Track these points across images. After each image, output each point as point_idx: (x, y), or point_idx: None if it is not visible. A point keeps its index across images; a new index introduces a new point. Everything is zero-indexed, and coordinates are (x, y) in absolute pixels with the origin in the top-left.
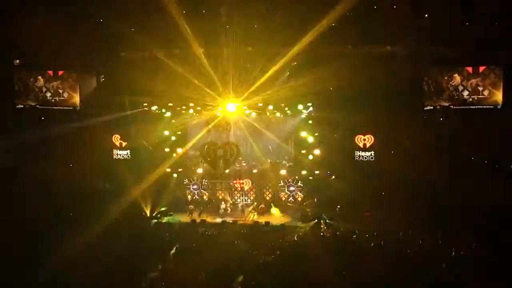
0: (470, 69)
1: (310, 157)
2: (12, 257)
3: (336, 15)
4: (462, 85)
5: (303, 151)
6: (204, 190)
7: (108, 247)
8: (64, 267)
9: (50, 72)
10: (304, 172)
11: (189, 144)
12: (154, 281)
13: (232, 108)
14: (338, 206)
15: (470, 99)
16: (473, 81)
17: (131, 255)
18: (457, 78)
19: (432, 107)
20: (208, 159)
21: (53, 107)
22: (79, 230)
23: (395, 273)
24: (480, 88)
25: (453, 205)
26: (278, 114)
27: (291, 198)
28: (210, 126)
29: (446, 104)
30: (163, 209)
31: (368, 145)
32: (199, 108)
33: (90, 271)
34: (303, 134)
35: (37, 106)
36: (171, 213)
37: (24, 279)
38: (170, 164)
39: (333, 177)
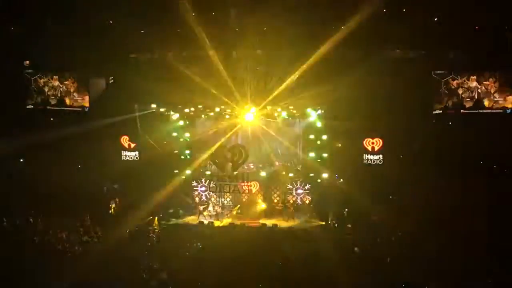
0: (479, 73)
1: (319, 160)
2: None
3: (346, 20)
4: (472, 90)
5: (312, 154)
6: (212, 192)
7: (116, 248)
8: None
9: (60, 74)
10: (312, 175)
11: None
12: (163, 282)
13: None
14: (346, 210)
15: (479, 104)
16: (482, 85)
17: (139, 255)
18: (466, 83)
19: (441, 111)
20: (216, 161)
21: (62, 108)
22: (87, 232)
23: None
24: (490, 93)
25: (461, 207)
26: (287, 117)
27: (298, 201)
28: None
29: (455, 108)
30: (171, 210)
31: (376, 148)
32: (208, 110)
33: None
34: (312, 137)
35: (47, 107)
36: (180, 213)
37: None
38: (178, 166)
39: (341, 180)
